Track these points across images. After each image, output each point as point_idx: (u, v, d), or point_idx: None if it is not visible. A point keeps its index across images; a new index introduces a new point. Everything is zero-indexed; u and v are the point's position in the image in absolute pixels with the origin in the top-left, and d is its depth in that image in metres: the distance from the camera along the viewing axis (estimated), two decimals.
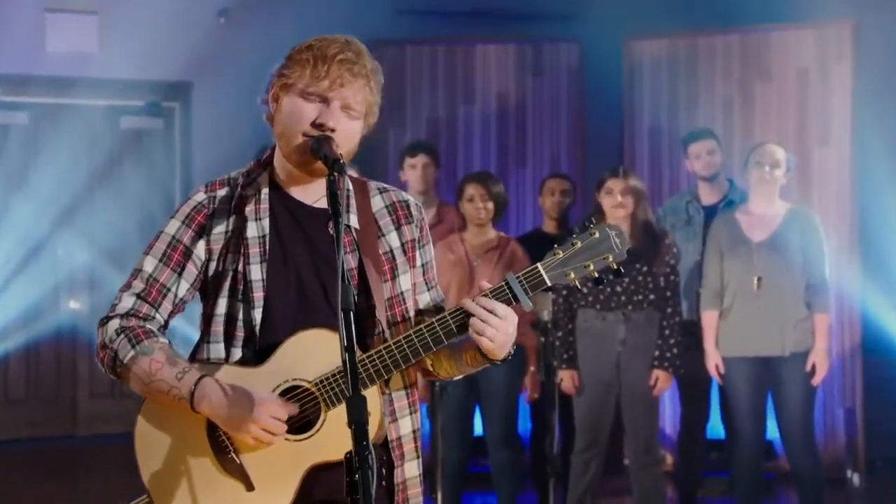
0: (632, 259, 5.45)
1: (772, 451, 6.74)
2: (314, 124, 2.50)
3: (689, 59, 7.74)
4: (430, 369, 2.66)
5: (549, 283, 2.51)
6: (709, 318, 5.75)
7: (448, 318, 2.50)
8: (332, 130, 2.50)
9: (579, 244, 2.53)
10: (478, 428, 6.17)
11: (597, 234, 2.54)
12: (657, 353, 5.62)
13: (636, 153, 7.82)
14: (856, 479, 7.23)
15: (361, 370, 2.45)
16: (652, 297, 5.63)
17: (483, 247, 5.83)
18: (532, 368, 5.79)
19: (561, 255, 2.52)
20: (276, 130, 2.58)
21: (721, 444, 6.67)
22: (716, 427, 6.60)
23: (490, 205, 5.78)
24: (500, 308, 2.47)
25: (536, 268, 2.51)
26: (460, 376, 2.69)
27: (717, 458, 6.80)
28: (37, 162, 8.12)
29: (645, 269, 5.59)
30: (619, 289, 5.59)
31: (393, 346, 2.48)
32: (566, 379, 5.65)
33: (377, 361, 2.48)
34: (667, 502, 6.02)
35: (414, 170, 6.47)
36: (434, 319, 2.50)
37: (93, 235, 8.12)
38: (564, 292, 5.63)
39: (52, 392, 8.38)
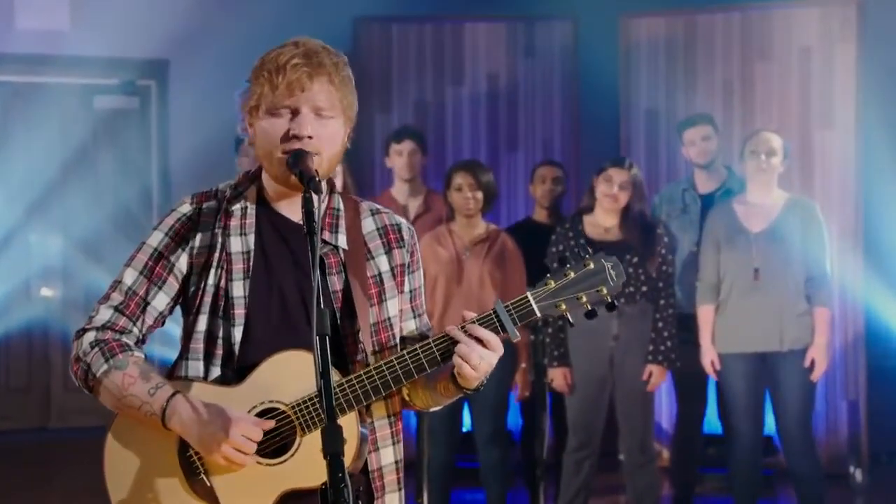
0: (623, 251, 5.54)
1: (771, 447, 6.80)
2: (289, 137, 2.53)
3: (687, 38, 7.77)
4: (407, 399, 2.68)
5: (538, 315, 2.51)
6: (705, 313, 5.82)
7: (432, 344, 2.51)
8: (310, 138, 2.52)
9: (572, 275, 2.53)
10: (466, 423, 6.25)
11: (591, 266, 2.54)
12: (651, 347, 5.68)
13: (632, 137, 7.85)
14: (858, 475, 7.29)
15: (340, 395, 2.47)
16: (644, 288, 5.69)
17: (472, 239, 5.87)
18: (523, 365, 5.84)
19: (553, 286, 2.52)
20: (257, 154, 2.62)
21: (719, 438, 6.72)
22: (713, 421, 6.68)
23: (479, 195, 5.81)
24: (488, 336, 2.49)
25: (526, 297, 2.51)
26: (437, 407, 2.71)
27: (714, 454, 6.88)
28: (6, 144, 8.13)
29: (636, 260, 5.65)
30: None
31: (374, 372, 2.50)
32: (558, 377, 5.70)
33: (356, 387, 2.49)
34: (663, 499, 6.10)
35: (400, 157, 6.52)
36: (417, 346, 2.52)
37: (66, 221, 8.13)
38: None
39: (24, 384, 8.43)
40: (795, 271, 5.72)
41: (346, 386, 2.50)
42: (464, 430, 6.27)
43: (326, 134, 2.56)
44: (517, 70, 8.05)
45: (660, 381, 5.74)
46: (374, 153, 7.64)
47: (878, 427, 7.44)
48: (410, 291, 2.71)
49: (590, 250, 2.59)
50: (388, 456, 2.63)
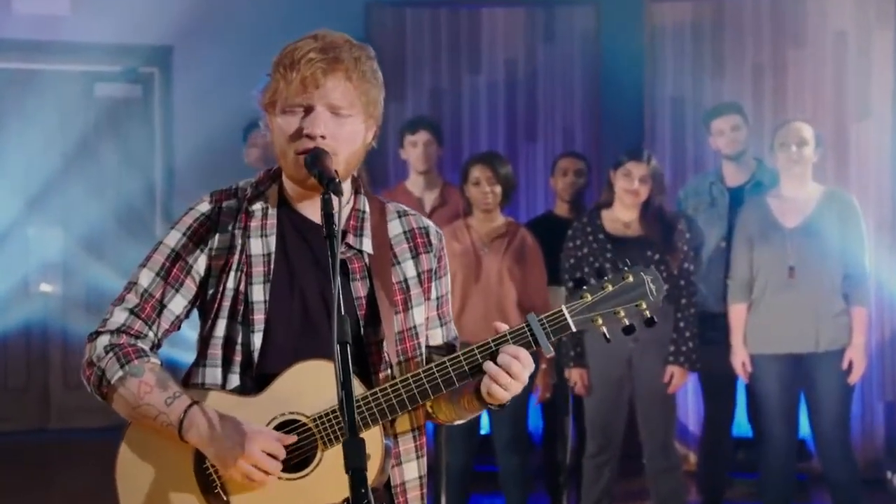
0: (644, 246, 5.50)
1: (805, 451, 6.77)
2: (301, 135, 2.49)
3: (715, 22, 7.76)
4: (430, 412, 2.66)
5: (573, 329, 2.49)
6: (737, 312, 5.79)
7: (461, 357, 2.49)
8: (322, 137, 2.48)
9: (610, 288, 2.51)
10: (485, 426, 6.21)
11: (630, 279, 2.52)
12: (672, 347, 5.66)
13: (657, 127, 7.84)
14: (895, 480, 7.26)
15: (364, 409, 2.45)
16: (665, 287, 5.62)
17: (490, 234, 5.86)
18: (544, 366, 5.82)
19: (589, 299, 2.50)
20: (275, 152, 2.59)
21: (749, 442, 6.70)
22: (743, 424, 6.63)
23: (497, 188, 5.80)
24: (522, 354, 2.47)
25: (561, 311, 2.49)
26: (460, 421, 2.69)
27: (744, 458, 6.84)
28: (3, 133, 8.11)
29: (657, 257, 5.60)
30: None
31: (400, 385, 2.47)
32: (575, 378, 5.70)
33: (381, 401, 2.46)
34: None
35: (415, 148, 6.50)
36: (446, 359, 2.49)
37: (66, 214, 8.12)
38: (570, 284, 5.61)
39: (23, 383, 8.41)
40: (832, 269, 5.68)
41: (370, 399, 2.47)
42: (482, 433, 6.24)
43: (343, 133, 2.51)
44: (536, 57, 8.03)
45: (681, 382, 5.72)
46: (387, 144, 7.58)
47: None
48: (437, 298, 2.68)
49: (628, 262, 2.56)
50: (411, 471, 2.61)
